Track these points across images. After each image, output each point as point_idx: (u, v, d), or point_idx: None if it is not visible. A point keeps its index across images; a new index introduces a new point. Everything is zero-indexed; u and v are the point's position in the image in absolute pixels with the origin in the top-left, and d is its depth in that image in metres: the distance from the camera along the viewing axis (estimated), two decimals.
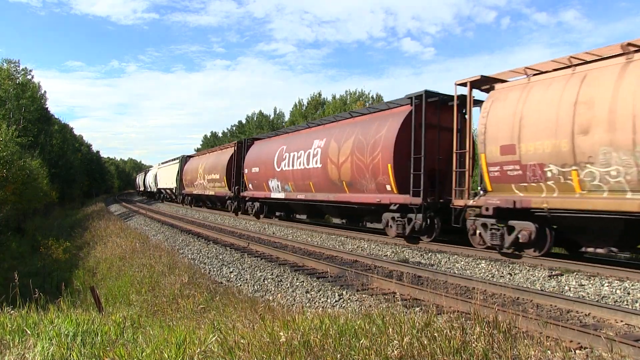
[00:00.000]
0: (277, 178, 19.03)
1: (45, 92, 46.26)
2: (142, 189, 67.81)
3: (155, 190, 52.64)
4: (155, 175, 51.14)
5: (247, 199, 22.85)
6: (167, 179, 43.14)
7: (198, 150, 41.98)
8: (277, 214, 21.62)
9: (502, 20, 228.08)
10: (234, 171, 24.35)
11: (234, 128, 67.14)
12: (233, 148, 25.38)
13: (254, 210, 22.21)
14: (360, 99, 48.06)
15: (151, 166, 70.20)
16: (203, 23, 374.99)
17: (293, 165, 17.50)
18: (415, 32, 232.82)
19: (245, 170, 22.31)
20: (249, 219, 22.27)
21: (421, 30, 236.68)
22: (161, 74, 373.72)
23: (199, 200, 34.22)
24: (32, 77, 43.50)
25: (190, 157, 37.70)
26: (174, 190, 40.26)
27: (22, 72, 42.39)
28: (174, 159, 42.12)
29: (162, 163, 48.35)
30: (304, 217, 19.23)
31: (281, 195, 18.94)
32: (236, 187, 23.92)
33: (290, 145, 18.29)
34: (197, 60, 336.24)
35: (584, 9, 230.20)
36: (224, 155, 26.66)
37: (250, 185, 22.16)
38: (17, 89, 39.53)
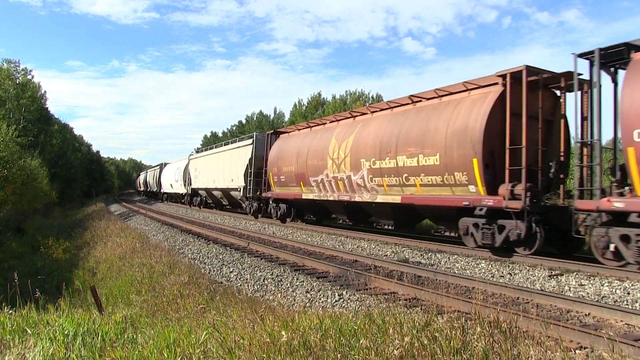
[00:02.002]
0: None
1: (45, 92, 46.24)
2: (152, 189, 55.33)
3: (183, 192, 35.93)
4: (185, 170, 34.80)
5: None
6: (217, 175, 26.91)
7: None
8: None
9: (503, 20, 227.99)
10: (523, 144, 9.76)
11: (234, 128, 67.27)
12: (500, 86, 10.36)
13: None
14: (360, 99, 48.13)
15: (151, 166, 66.25)
16: (204, 23, 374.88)
17: None
18: (416, 32, 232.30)
19: None
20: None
21: (422, 30, 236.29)
22: (161, 73, 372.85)
23: (314, 212, 18.47)
24: (32, 77, 43.56)
25: (282, 132, 20.66)
26: (236, 193, 23.82)
27: (22, 72, 42.44)
28: (240, 139, 25.78)
29: (200, 150, 33.06)
30: None
31: None
32: (532, 186, 9.79)
33: None
34: (198, 60, 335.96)
35: (585, 8, 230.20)
36: (462, 109, 10.93)
37: None
38: (17, 89, 39.55)
